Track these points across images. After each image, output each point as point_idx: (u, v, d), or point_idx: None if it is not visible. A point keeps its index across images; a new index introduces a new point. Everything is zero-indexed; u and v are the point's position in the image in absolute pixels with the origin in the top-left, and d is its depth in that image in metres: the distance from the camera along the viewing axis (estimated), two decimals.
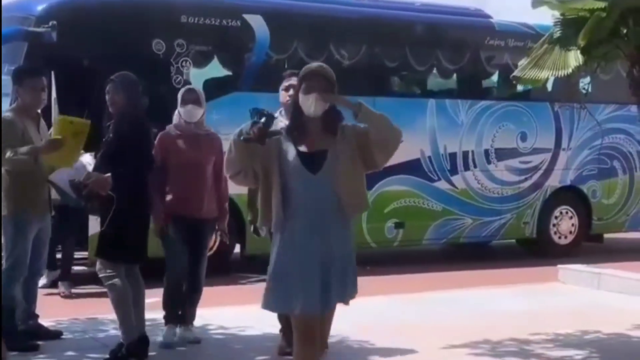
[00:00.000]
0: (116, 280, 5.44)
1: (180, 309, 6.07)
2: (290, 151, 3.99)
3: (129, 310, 5.46)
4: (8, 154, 5.64)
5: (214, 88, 9.95)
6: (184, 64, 9.89)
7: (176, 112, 6.18)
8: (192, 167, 5.95)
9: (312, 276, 3.86)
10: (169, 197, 5.98)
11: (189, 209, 5.93)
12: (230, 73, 10.52)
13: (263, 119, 3.80)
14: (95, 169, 5.61)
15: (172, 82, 9.79)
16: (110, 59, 8.51)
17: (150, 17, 9.78)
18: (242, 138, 3.84)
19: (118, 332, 5.60)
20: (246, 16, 10.12)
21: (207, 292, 6.24)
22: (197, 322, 6.24)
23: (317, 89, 3.98)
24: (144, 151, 5.60)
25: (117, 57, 8.87)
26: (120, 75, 5.73)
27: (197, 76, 10.26)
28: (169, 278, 6.01)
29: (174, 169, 5.97)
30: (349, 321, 5.45)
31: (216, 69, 10.30)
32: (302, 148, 3.99)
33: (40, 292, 6.58)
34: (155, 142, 5.97)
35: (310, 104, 3.97)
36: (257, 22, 10.16)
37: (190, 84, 10.20)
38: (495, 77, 12.41)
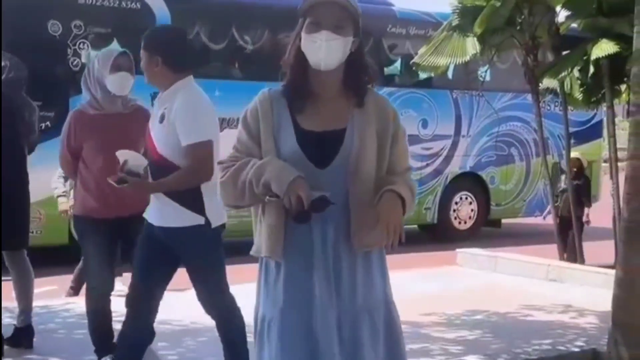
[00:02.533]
0: None
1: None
2: (286, 129, 2.66)
3: None
4: None
5: None
6: (81, 46, 9.68)
7: (91, 84, 4.77)
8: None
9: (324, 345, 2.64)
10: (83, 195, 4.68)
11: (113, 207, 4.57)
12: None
13: (316, 201, 2.55)
14: None
15: (69, 64, 9.58)
16: (6, 39, 8.24)
17: None
18: (267, 196, 2.59)
19: (11, 320, 5.45)
20: None
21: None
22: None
23: (330, 25, 2.61)
24: (6, 136, 5.09)
25: (13, 38, 8.60)
26: None
27: None
28: (91, 298, 4.79)
29: (90, 159, 4.63)
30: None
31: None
32: (306, 125, 2.66)
33: None
34: (67, 124, 4.75)
35: (318, 48, 2.61)
36: (157, 5, 10.01)
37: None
38: (397, 65, 12.57)
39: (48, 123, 9.32)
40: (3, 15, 9.05)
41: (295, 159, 2.61)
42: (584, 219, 9.83)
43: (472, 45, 8.62)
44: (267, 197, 2.59)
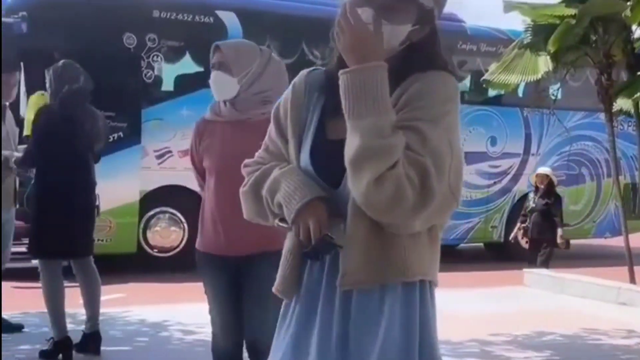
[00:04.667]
0: (42, 275, 5.35)
1: None
2: (308, 131, 2.09)
3: (55, 306, 5.29)
4: None
5: (186, 84, 9.94)
6: (155, 58, 9.87)
7: None
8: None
9: None
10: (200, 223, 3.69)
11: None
12: (202, 69, 10.50)
13: (322, 246, 1.98)
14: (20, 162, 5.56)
15: (143, 77, 9.78)
16: (81, 51, 8.46)
17: (121, 11, 9.73)
18: (277, 221, 2.10)
19: (75, 326, 5.55)
20: (219, 12, 10.11)
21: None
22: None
23: (378, 3, 1.94)
24: (58, 142, 5.24)
25: (88, 50, 8.84)
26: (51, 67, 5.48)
27: (169, 71, 10.25)
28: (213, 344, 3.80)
29: (207, 176, 3.66)
30: None
31: (188, 65, 10.27)
32: (331, 132, 2.04)
33: (5, 284, 6.50)
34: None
35: None
36: (229, 18, 10.16)
37: (161, 79, 10.22)
38: (466, 81, 12.49)
39: (120, 134, 9.54)
40: (80, 27, 9.31)
41: (308, 175, 2.04)
42: (558, 240, 9.42)
43: (544, 63, 8.51)
44: (277, 222, 2.09)
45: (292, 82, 2.14)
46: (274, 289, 2.13)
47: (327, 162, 2.00)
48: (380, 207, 1.85)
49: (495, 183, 12.17)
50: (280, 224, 2.08)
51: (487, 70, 9.32)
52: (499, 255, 12.27)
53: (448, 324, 6.80)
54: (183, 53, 10.28)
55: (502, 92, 10.29)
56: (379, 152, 1.81)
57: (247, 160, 2.22)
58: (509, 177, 12.30)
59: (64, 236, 5.23)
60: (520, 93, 11.23)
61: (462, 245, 12.70)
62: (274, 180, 2.05)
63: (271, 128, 2.17)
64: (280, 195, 2.02)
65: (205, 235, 3.60)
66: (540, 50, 8.57)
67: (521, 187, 12.37)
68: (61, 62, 5.48)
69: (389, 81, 1.88)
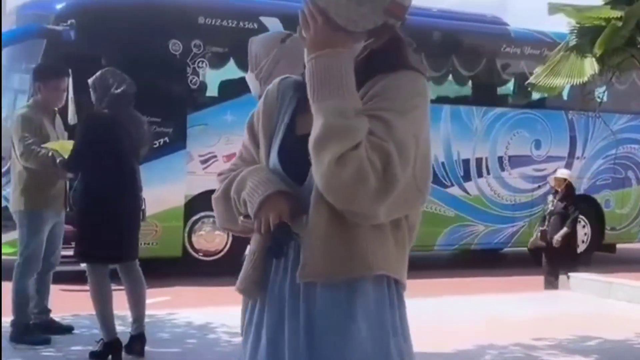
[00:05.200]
0: (89, 278, 5.45)
1: None
2: (279, 131, 2.11)
3: (103, 309, 5.39)
4: (32, 147, 5.76)
5: (230, 89, 10.03)
6: (200, 64, 9.98)
7: None
8: None
9: None
10: None
11: None
12: (246, 75, 10.59)
13: (280, 234, 1.97)
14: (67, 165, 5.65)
15: (188, 82, 9.89)
16: (128, 58, 8.61)
17: (167, 18, 9.86)
18: (242, 217, 2.08)
19: (124, 328, 5.65)
20: (263, 18, 10.19)
21: None
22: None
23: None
24: (109, 150, 5.33)
25: (134, 56, 8.98)
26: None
27: (213, 77, 10.36)
28: None
29: None
30: None
31: (232, 71, 10.37)
32: (301, 127, 2.05)
33: (54, 287, 6.64)
34: None
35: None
36: (273, 24, 10.23)
37: (206, 84, 10.34)
38: (510, 85, 12.43)
39: (166, 139, 9.66)
40: (127, 35, 9.45)
41: (276, 172, 2.06)
42: (555, 240, 9.24)
43: (590, 66, 8.43)
44: (241, 219, 2.07)
45: (266, 90, 2.18)
46: (235, 288, 2.10)
47: (294, 157, 2.00)
48: (341, 190, 1.83)
49: (539, 187, 12.07)
50: (245, 220, 2.06)
51: (531, 74, 9.24)
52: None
53: (493, 327, 6.83)
54: (227, 59, 10.38)
55: (546, 95, 10.20)
56: (341, 132, 1.82)
57: (221, 169, 2.27)
58: None
59: (109, 240, 5.32)
60: (564, 96, 11.14)
61: (506, 249, 12.63)
62: (240, 180, 2.07)
63: (245, 136, 2.19)
64: (245, 192, 2.03)
65: None
66: (586, 52, 8.48)
67: None
68: (103, 69, 5.59)
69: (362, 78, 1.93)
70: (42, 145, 5.83)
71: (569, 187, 9.56)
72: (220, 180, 2.18)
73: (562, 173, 9.81)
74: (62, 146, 5.82)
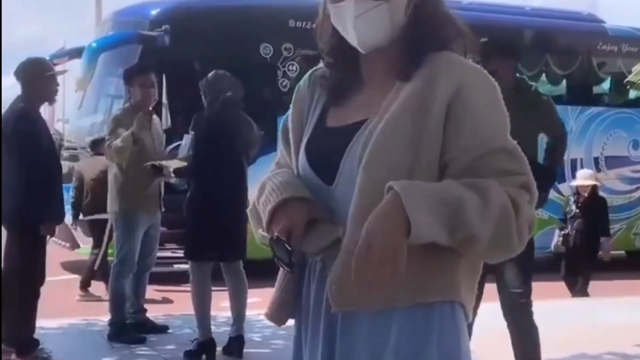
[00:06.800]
0: (192, 277, 5.55)
1: None
2: (309, 128, 1.87)
3: (202, 307, 5.49)
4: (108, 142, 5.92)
5: None
6: (290, 67, 10.05)
7: None
8: None
9: None
10: None
11: None
12: None
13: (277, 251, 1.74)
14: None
15: (279, 85, 9.98)
16: (220, 62, 8.72)
17: (258, 22, 9.96)
18: (261, 229, 1.83)
19: (214, 329, 5.73)
20: None
21: None
22: None
23: None
24: (218, 149, 5.43)
25: (227, 60, 9.10)
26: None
27: None
28: None
29: None
30: None
31: None
32: (332, 121, 1.82)
33: (149, 287, 6.78)
34: None
35: (345, 25, 1.78)
36: None
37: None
38: (606, 83, 12.09)
39: None
40: (219, 39, 9.60)
41: (304, 173, 1.79)
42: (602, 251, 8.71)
43: None
44: (260, 232, 1.83)
45: (297, 86, 1.97)
46: (263, 314, 1.91)
47: (323, 151, 1.77)
48: (519, 248, 1.71)
49: (638, 189, 11.71)
50: (264, 234, 1.79)
51: (629, 72, 9.00)
52: None
53: (585, 333, 6.63)
54: (317, 61, 10.38)
55: None
56: (501, 231, 1.64)
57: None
58: None
59: (217, 239, 5.41)
60: None
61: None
62: (261, 187, 1.83)
63: (279, 139, 1.96)
64: (261, 200, 1.80)
65: None
66: None
67: None
68: (213, 72, 5.67)
69: (400, 72, 1.70)
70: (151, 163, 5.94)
71: (594, 189, 9.00)
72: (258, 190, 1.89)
73: (586, 180, 9.02)
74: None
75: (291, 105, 1.92)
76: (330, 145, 1.74)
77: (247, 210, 1.92)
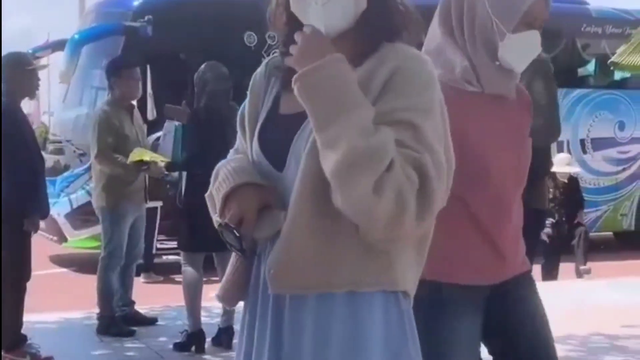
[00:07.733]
0: (184, 267, 5.55)
1: None
2: (263, 115, 1.90)
3: (193, 298, 5.48)
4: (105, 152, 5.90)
5: None
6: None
7: None
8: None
9: None
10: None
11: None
12: None
13: (226, 237, 1.81)
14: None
15: None
16: (204, 51, 8.68)
17: (241, 10, 9.90)
18: (219, 221, 1.85)
19: (208, 320, 5.72)
20: None
21: None
22: None
23: None
24: (213, 143, 5.26)
25: (211, 49, 9.05)
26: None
27: None
28: None
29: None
30: None
31: None
32: (285, 107, 1.85)
33: (137, 280, 6.76)
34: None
35: (309, 12, 1.79)
36: None
37: None
38: (591, 65, 12.10)
39: None
40: (203, 29, 9.54)
41: (257, 159, 1.84)
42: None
43: None
44: (216, 219, 1.87)
45: (254, 74, 1.99)
46: (214, 295, 1.94)
47: (274, 138, 1.80)
48: (383, 220, 1.59)
49: (624, 169, 11.75)
50: (219, 220, 1.83)
51: (613, 54, 9.02)
52: (629, 244, 11.84)
53: (574, 315, 6.66)
54: None
55: (629, 74, 9.91)
56: (370, 154, 1.58)
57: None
58: (638, 162, 11.85)
59: (211, 230, 5.36)
60: None
61: (590, 234, 12.32)
62: (215, 173, 1.87)
63: (238, 126, 1.99)
64: (214, 187, 1.85)
65: (471, 259, 2.35)
66: None
67: None
68: (205, 63, 5.67)
69: (354, 58, 1.72)
70: (128, 162, 5.90)
71: (571, 179, 9.18)
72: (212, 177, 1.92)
73: (563, 162, 9.01)
74: (141, 154, 5.90)
75: (248, 93, 1.95)
76: (281, 132, 1.79)
77: (205, 196, 1.93)
